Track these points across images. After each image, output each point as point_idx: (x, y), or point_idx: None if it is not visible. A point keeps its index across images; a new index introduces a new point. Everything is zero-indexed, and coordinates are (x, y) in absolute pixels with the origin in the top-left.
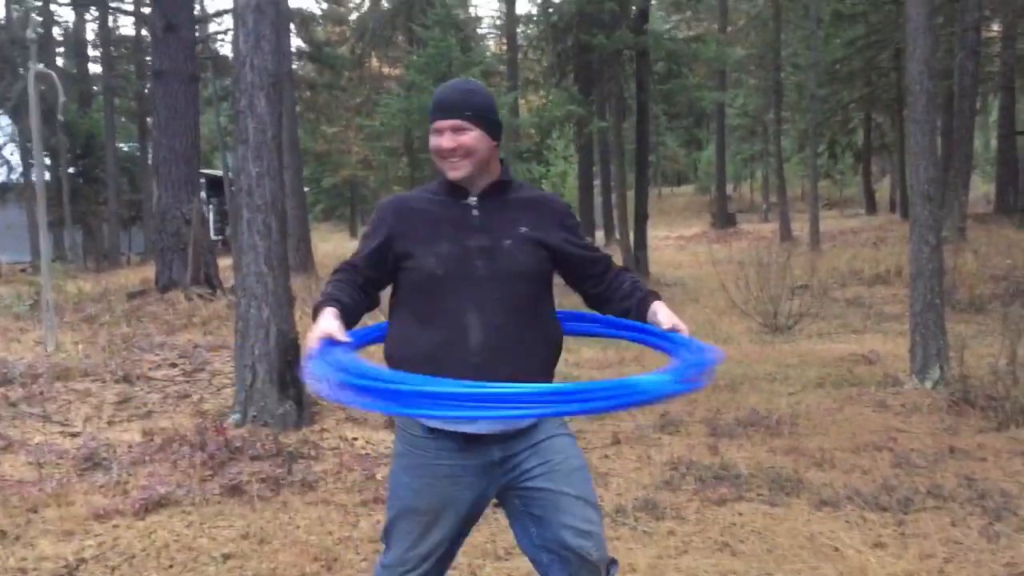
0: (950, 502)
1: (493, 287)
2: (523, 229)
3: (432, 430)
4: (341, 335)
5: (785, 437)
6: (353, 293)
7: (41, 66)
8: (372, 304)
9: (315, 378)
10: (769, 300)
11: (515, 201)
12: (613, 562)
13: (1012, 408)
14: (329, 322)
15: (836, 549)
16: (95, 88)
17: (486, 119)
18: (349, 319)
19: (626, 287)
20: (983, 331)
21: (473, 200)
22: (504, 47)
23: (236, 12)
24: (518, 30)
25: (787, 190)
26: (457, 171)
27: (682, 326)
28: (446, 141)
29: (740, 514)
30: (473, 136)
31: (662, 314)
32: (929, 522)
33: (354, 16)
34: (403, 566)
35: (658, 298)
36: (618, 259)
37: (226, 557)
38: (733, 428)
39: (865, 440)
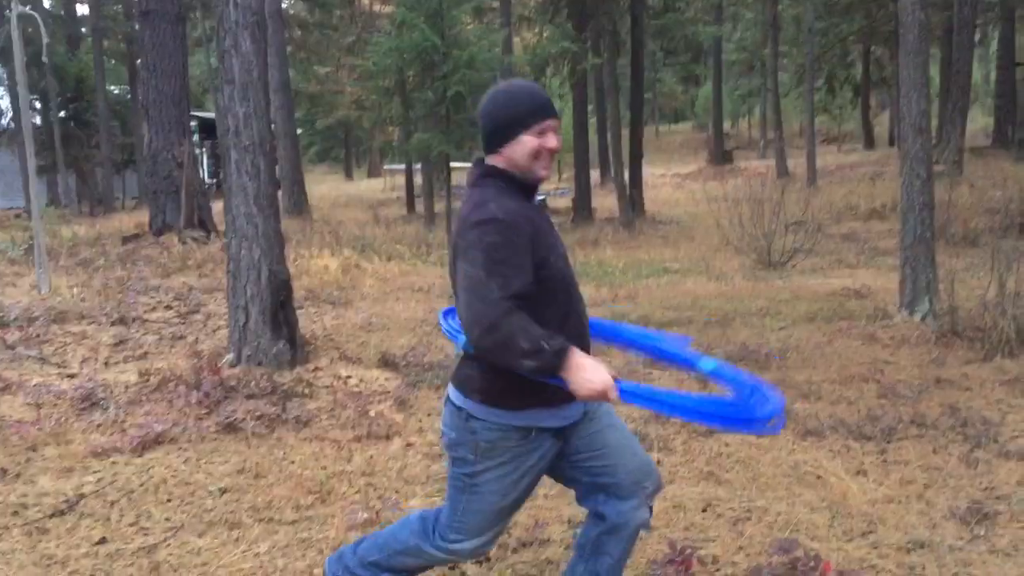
0: (932, 430)
1: (576, 287)
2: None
3: (541, 431)
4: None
5: (774, 370)
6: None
7: (26, 8)
8: None
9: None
10: (763, 237)
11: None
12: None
13: (998, 339)
14: (600, 363)
15: (819, 477)
16: (83, 30)
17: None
18: None
19: None
20: (975, 264)
21: (535, 202)
22: None
23: None
24: None
25: (784, 126)
26: (549, 171)
27: None
28: (554, 141)
29: (726, 444)
30: (555, 134)
31: None
32: (911, 450)
33: None
34: (485, 547)
35: None
36: (613, 198)
37: (223, 491)
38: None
39: (852, 372)
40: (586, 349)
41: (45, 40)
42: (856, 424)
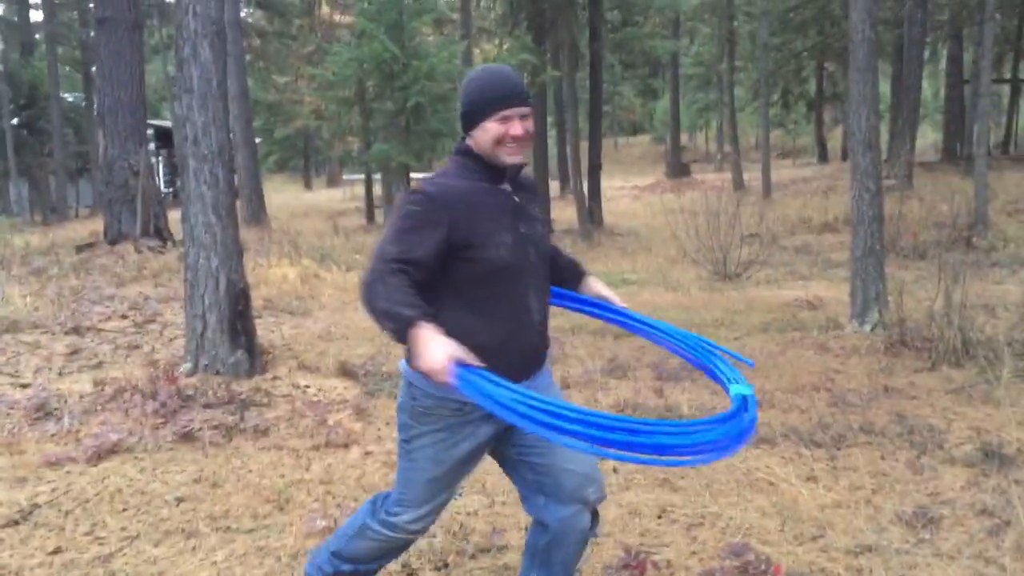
0: (881, 437)
1: (539, 270)
2: (538, 213)
3: (471, 405)
4: (471, 358)
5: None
6: (413, 288)
7: None
8: None
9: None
10: (719, 248)
11: (523, 184)
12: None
13: (944, 349)
14: (451, 344)
15: (771, 483)
16: (37, 36)
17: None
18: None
19: (563, 260)
20: (923, 276)
21: (507, 187)
22: None
23: None
24: None
25: (740, 140)
26: (516, 157)
27: (616, 298)
28: (518, 128)
29: None
30: (531, 121)
31: (603, 289)
32: (860, 456)
33: None
34: (423, 521)
35: (586, 271)
36: (572, 210)
37: (179, 500)
38: (678, 372)
39: (804, 381)
40: (522, 337)
41: (0, 47)
42: (807, 432)
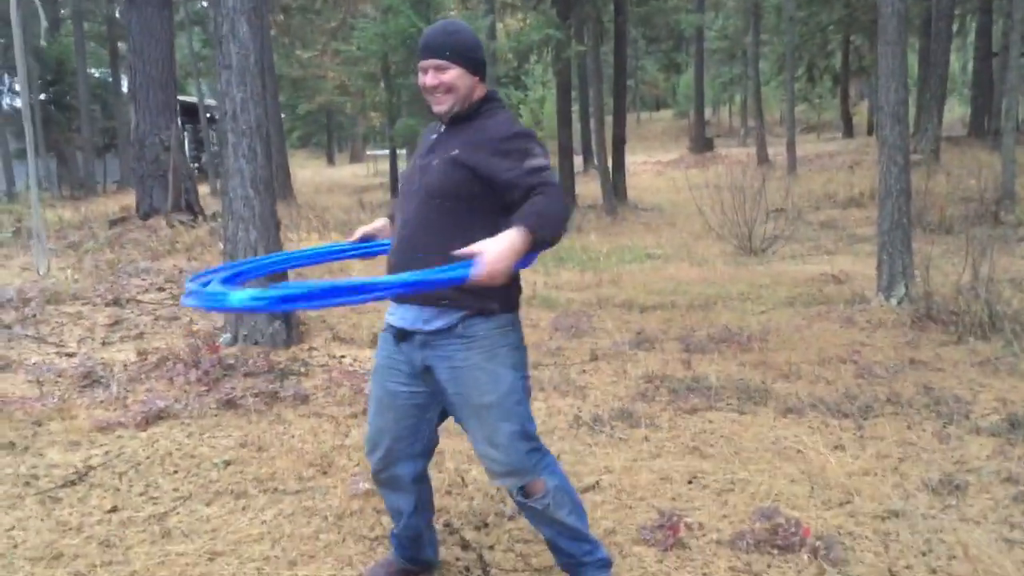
0: (907, 408)
1: (416, 201)
2: (455, 151)
3: (387, 325)
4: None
5: (755, 352)
6: None
7: None
8: None
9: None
10: (744, 223)
11: (472, 127)
12: (538, 485)
13: (971, 322)
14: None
15: (799, 451)
16: (63, 12)
17: (466, 57)
18: None
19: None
20: (950, 251)
21: (442, 127)
22: None
23: None
24: None
25: (765, 114)
26: (440, 105)
27: (473, 252)
28: (429, 79)
29: (710, 421)
30: (453, 74)
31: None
32: (887, 426)
33: None
34: (373, 463)
35: (520, 223)
36: (596, 185)
37: (227, 463)
38: (705, 344)
39: (831, 354)
40: (398, 249)
41: (44, 25)
42: (834, 402)
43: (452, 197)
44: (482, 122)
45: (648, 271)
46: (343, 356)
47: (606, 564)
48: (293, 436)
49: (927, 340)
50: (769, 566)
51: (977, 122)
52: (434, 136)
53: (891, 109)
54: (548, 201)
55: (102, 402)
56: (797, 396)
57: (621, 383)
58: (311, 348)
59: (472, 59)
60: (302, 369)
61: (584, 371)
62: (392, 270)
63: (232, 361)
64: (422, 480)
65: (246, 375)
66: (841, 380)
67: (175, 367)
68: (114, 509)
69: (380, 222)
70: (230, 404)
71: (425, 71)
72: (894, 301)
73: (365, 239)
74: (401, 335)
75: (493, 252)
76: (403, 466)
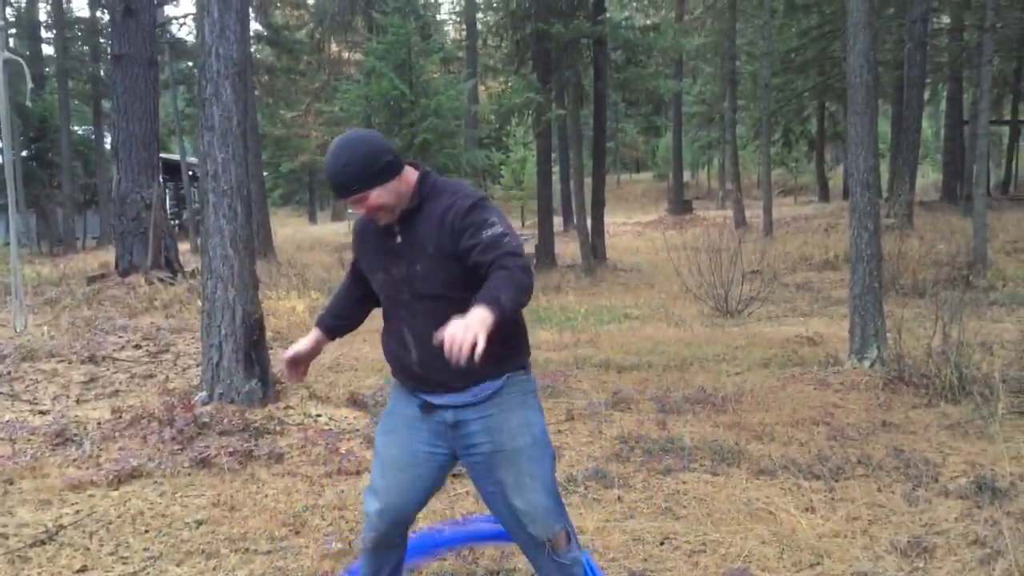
0: (878, 471)
1: (418, 308)
2: (431, 250)
3: (413, 395)
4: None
5: (729, 413)
6: (346, 299)
7: (9, 54)
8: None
9: None
10: (721, 285)
11: (427, 218)
12: (563, 537)
13: (941, 385)
14: (298, 344)
15: (771, 513)
16: (47, 70)
17: (374, 175)
18: (342, 325)
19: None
20: (922, 314)
21: (396, 228)
22: (463, 34)
23: (201, 1)
24: (477, 16)
25: (743, 177)
26: (385, 220)
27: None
28: (360, 209)
29: (683, 483)
30: (375, 195)
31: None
32: (857, 488)
33: (313, 0)
34: (371, 514)
35: (483, 303)
36: (575, 245)
37: (199, 523)
38: (681, 405)
39: (804, 415)
40: (403, 366)
41: (30, 85)
42: (806, 464)
43: (453, 288)
44: (431, 206)
45: (625, 331)
46: (319, 415)
47: None
48: (266, 495)
49: (898, 402)
50: None
51: (949, 187)
52: (394, 240)
53: (861, 176)
54: (508, 275)
55: (75, 460)
56: (770, 457)
57: (596, 443)
58: (287, 407)
59: (380, 170)
60: (277, 428)
61: (559, 431)
62: (424, 377)
63: (207, 419)
64: (406, 538)
65: (221, 433)
66: (813, 441)
67: (149, 425)
68: (83, 569)
69: (313, 336)
70: (204, 463)
71: (351, 204)
72: (866, 363)
73: (297, 359)
74: (431, 407)
75: (460, 325)
76: (403, 526)
